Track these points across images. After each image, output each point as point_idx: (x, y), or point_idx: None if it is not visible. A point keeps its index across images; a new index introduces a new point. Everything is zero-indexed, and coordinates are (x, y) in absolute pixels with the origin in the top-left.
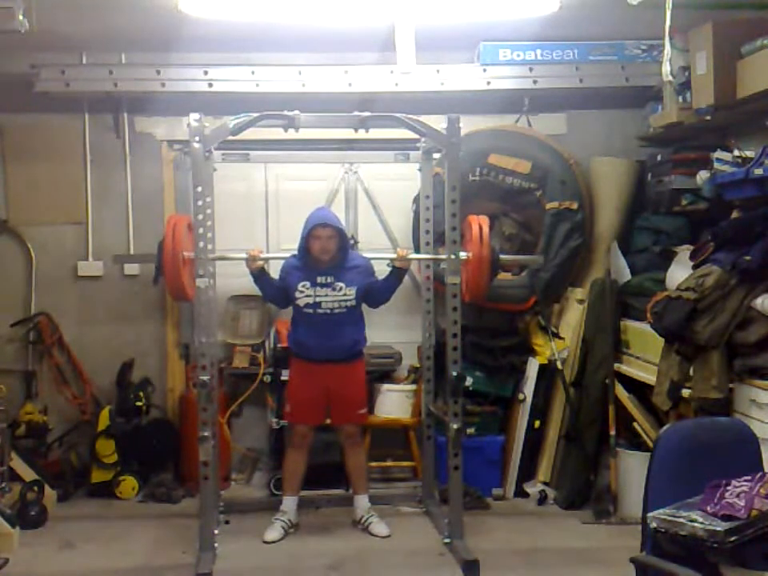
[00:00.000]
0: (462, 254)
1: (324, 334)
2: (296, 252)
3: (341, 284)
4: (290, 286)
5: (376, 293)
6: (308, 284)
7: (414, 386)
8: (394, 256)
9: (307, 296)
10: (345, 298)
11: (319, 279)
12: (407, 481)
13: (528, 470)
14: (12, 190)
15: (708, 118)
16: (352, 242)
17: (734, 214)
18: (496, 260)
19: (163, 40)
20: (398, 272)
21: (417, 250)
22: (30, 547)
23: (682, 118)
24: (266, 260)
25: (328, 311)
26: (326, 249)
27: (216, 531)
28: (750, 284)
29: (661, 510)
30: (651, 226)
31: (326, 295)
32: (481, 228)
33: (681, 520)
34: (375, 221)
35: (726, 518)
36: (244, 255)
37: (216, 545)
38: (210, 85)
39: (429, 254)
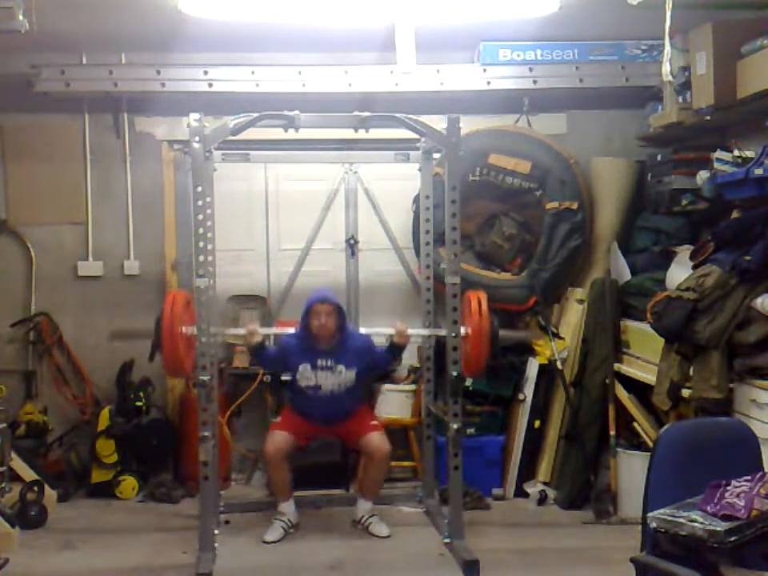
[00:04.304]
0: (461, 330)
1: (324, 408)
2: (295, 329)
3: (341, 367)
4: (289, 367)
5: (375, 370)
6: (308, 366)
7: (413, 386)
8: (392, 332)
9: (308, 378)
10: (345, 380)
11: (319, 362)
12: (407, 481)
13: (528, 470)
14: (12, 190)
15: (708, 118)
16: (352, 241)
17: (734, 214)
18: (496, 334)
19: (163, 40)
20: (396, 348)
21: (417, 250)
22: (29, 547)
23: (682, 117)
24: (265, 335)
25: (328, 393)
26: (324, 325)
27: (216, 531)
28: (750, 284)
29: (661, 510)
30: (651, 225)
31: (327, 378)
32: (480, 303)
33: (681, 520)
34: (375, 221)
35: (726, 517)
36: (242, 331)
37: (216, 545)
38: (210, 85)
39: (428, 329)
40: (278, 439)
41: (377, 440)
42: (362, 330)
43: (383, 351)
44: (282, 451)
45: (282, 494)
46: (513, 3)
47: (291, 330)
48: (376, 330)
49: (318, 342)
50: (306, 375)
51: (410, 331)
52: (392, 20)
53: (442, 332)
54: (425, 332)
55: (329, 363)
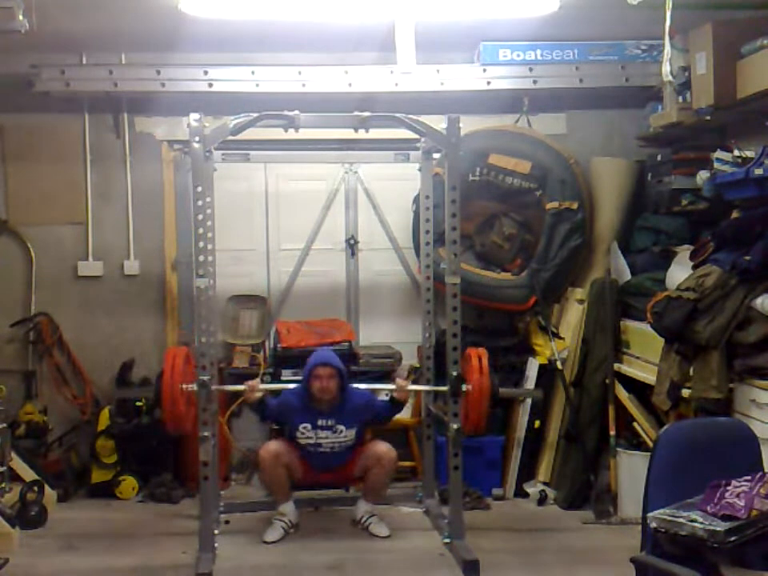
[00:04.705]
0: (463, 387)
1: (324, 461)
2: (295, 387)
3: (341, 427)
4: (290, 425)
5: (375, 422)
6: (309, 426)
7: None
8: (393, 387)
9: (308, 438)
10: (345, 439)
11: (320, 422)
12: (407, 481)
13: (528, 470)
14: (12, 190)
15: (708, 118)
16: (352, 241)
17: (734, 214)
18: (496, 392)
19: (163, 40)
20: (397, 404)
21: (417, 250)
22: (29, 547)
23: (682, 117)
24: (265, 391)
25: (328, 450)
26: (326, 388)
27: (216, 531)
28: (750, 284)
29: (661, 510)
30: (651, 225)
31: (327, 438)
32: (480, 360)
33: (681, 520)
34: (375, 221)
35: (726, 518)
36: (242, 387)
37: (216, 545)
38: (210, 85)
39: (429, 386)
40: (273, 447)
41: (383, 447)
42: (362, 387)
43: (383, 406)
44: (276, 456)
45: (281, 494)
46: (513, 3)
47: (292, 386)
48: (376, 387)
49: (320, 403)
50: (306, 434)
51: (410, 387)
52: (392, 20)
53: (443, 389)
54: (426, 388)
55: (329, 423)
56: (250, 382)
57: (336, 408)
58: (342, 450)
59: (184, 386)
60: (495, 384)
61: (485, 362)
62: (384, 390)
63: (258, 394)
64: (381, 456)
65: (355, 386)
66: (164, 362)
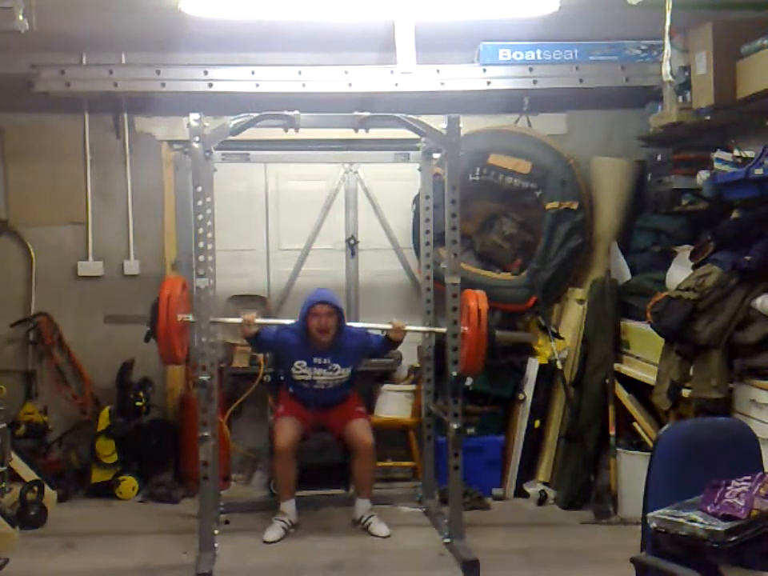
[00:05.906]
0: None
1: (318, 398)
2: (293, 323)
3: (336, 365)
4: (286, 360)
5: (370, 358)
6: (304, 363)
7: (413, 386)
8: (389, 327)
9: (303, 374)
10: (339, 377)
11: (316, 360)
12: (407, 481)
13: (528, 470)
14: (12, 190)
15: (708, 118)
16: (352, 241)
17: (734, 214)
18: (493, 337)
19: (163, 40)
20: (391, 343)
21: (417, 250)
22: (29, 547)
23: (682, 117)
24: (262, 325)
25: (322, 387)
26: (324, 327)
27: (216, 531)
28: (750, 284)
29: (661, 510)
30: (651, 226)
31: (322, 375)
32: (479, 305)
33: (681, 520)
34: (375, 221)
35: (726, 517)
36: (239, 320)
37: (216, 545)
38: (210, 85)
39: (425, 327)
40: (288, 431)
41: (359, 431)
42: (358, 325)
43: (378, 343)
44: (293, 444)
45: (285, 491)
46: (513, 3)
47: (288, 322)
48: (373, 326)
49: (316, 341)
50: (301, 371)
51: (408, 327)
52: (392, 20)
53: (442, 330)
54: (423, 329)
55: (325, 362)
56: (246, 316)
57: (332, 347)
58: (335, 386)
59: (180, 317)
60: (492, 327)
61: (482, 304)
62: (380, 329)
63: (255, 329)
64: (357, 446)
65: (350, 324)
66: (160, 290)
